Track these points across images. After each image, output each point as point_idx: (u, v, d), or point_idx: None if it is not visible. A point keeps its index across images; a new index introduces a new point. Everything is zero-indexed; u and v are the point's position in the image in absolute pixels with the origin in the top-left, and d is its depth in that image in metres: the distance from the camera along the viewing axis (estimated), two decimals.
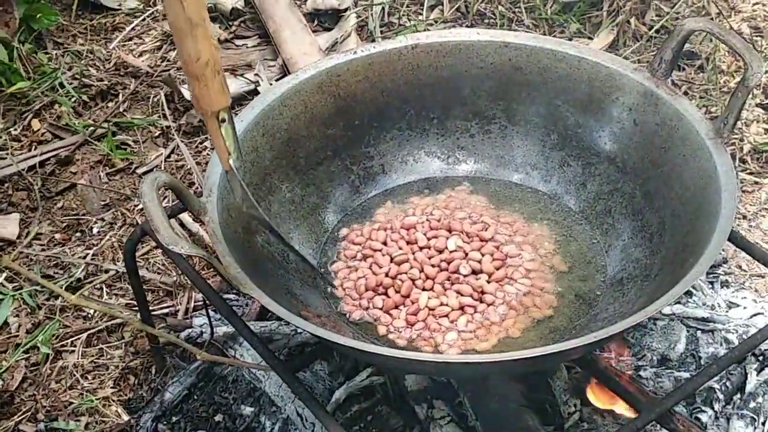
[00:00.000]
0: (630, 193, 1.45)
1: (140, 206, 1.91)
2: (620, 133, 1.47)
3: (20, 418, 1.58)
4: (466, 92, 1.55)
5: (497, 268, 1.41)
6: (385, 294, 1.39)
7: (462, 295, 1.38)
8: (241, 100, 2.17)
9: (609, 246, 1.45)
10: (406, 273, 1.41)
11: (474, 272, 1.40)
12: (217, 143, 1.21)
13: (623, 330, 1.16)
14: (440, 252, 1.43)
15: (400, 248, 1.44)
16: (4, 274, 1.79)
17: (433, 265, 1.41)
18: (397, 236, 1.46)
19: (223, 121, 1.19)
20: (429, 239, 1.44)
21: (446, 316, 1.36)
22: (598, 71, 1.48)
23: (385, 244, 1.46)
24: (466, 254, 1.42)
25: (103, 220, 1.92)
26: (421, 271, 1.41)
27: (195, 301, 1.73)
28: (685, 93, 2.12)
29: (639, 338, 1.60)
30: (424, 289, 1.39)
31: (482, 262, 1.41)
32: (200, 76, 1.13)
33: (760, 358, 1.55)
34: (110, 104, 2.18)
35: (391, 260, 1.42)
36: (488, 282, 1.39)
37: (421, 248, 1.44)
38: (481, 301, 1.38)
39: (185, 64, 1.13)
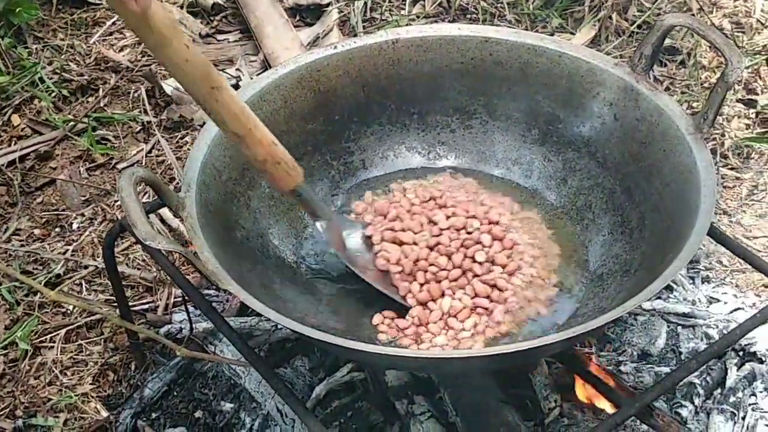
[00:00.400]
0: (610, 189, 1.45)
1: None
2: (601, 128, 1.47)
3: None
4: (447, 87, 1.55)
5: (507, 257, 1.40)
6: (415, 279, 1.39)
7: (477, 295, 1.36)
8: None
9: (589, 241, 1.45)
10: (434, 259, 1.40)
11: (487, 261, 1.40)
12: (305, 211, 1.39)
13: (602, 325, 1.16)
14: (458, 231, 1.42)
15: (421, 226, 1.43)
16: None
17: (456, 249, 1.40)
18: (419, 210, 1.45)
19: (299, 195, 1.34)
20: (448, 218, 1.43)
21: (455, 316, 1.35)
22: (579, 66, 1.48)
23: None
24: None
25: (83, 215, 1.91)
26: (449, 258, 1.39)
27: (175, 297, 1.73)
28: (667, 88, 2.12)
29: (619, 333, 1.60)
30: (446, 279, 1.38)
31: (494, 252, 1.40)
32: (263, 170, 1.29)
33: (740, 353, 1.55)
34: (90, 99, 2.17)
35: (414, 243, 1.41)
36: (500, 274, 1.38)
37: (441, 230, 1.42)
38: (491, 300, 1.37)
39: (250, 163, 1.31)
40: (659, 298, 1.65)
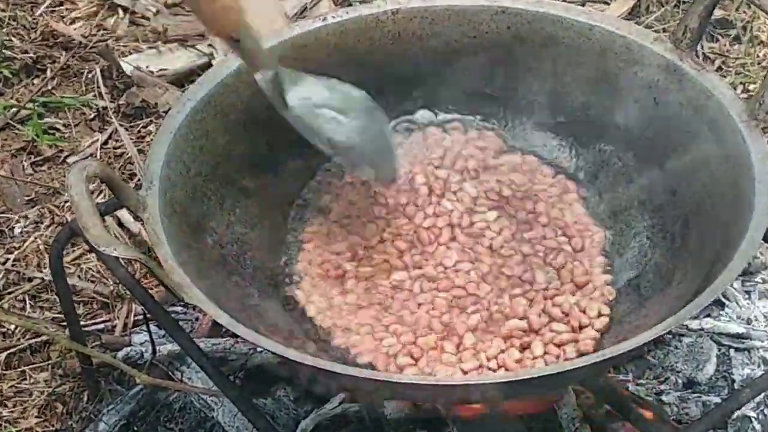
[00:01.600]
0: (648, 186, 1.46)
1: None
2: (638, 114, 1.48)
3: None
4: (457, 66, 1.56)
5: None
6: None
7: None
8: (191, 76, 2.17)
9: (624, 248, 1.46)
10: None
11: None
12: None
13: (639, 346, 1.16)
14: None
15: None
16: None
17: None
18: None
19: (237, 41, 1.31)
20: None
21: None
22: (613, 41, 1.49)
23: None
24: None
25: (26, 218, 1.92)
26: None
27: (135, 315, 1.74)
28: (719, 68, 2.13)
29: (661, 358, 1.61)
30: None
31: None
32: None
33: None
34: (36, 81, 2.18)
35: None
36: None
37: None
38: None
39: None
40: (708, 315, 1.65)
